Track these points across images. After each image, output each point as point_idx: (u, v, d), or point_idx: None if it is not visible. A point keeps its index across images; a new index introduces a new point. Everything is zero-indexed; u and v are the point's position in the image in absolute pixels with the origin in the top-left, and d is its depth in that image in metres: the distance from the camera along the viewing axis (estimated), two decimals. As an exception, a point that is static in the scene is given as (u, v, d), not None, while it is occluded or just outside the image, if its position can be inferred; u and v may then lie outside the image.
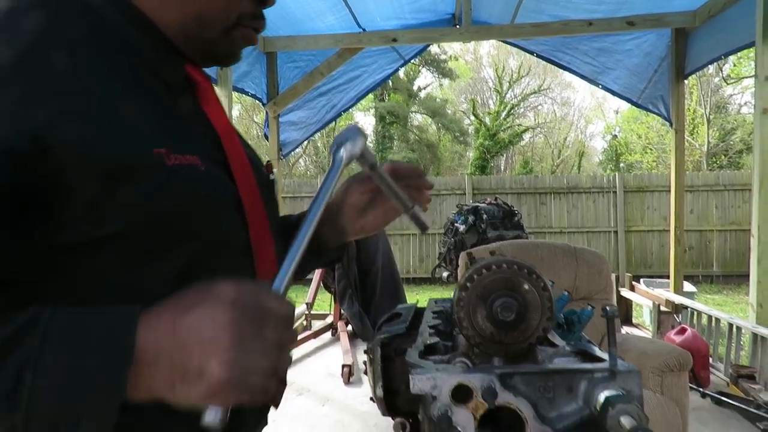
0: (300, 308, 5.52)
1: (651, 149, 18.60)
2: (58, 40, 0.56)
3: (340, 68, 5.35)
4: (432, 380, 0.63)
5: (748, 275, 3.73)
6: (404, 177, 0.81)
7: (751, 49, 3.83)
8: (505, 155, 21.71)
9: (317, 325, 5.41)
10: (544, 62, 5.93)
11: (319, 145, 19.57)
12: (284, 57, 5.45)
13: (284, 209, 1.73)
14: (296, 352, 4.63)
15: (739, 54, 12.09)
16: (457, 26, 5.12)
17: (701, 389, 3.47)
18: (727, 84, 16.37)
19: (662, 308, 4.56)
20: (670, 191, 5.28)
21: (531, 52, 5.53)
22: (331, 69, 5.28)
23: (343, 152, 0.67)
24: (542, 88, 21.97)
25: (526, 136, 21.97)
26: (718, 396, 3.37)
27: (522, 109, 22.14)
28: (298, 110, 5.77)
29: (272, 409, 0.79)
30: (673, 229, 5.19)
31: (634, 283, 5.53)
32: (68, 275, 0.55)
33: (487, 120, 20.12)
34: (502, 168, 22.25)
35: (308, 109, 5.83)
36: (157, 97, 0.64)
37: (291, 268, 0.58)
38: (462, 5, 4.86)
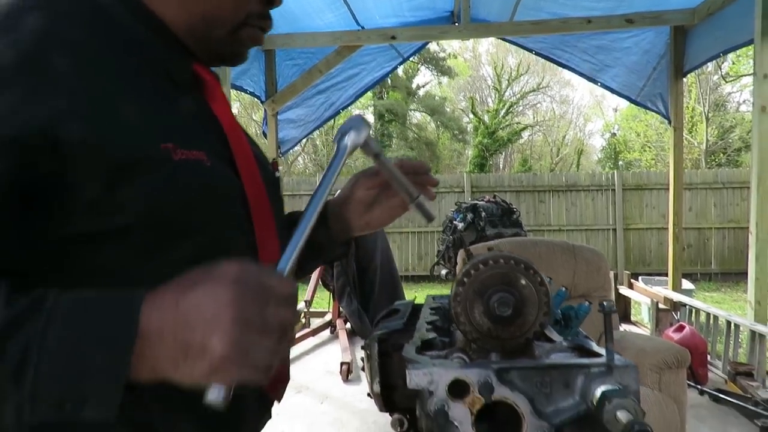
0: (299, 306, 5.52)
1: (650, 147, 18.61)
2: (66, 39, 0.57)
3: (338, 66, 5.34)
4: (429, 375, 0.63)
5: (746, 273, 3.74)
6: (410, 172, 0.82)
7: (750, 47, 3.83)
8: (503, 153, 21.71)
9: (316, 322, 5.41)
10: (543, 60, 5.94)
11: (317, 143, 19.54)
12: (283, 54, 5.44)
13: (282, 206, 1.72)
14: (295, 350, 4.64)
15: (738, 52, 12.10)
16: (456, 24, 5.11)
17: (699, 386, 3.48)
18: (726, 82, 16.37)
19: (660, 306, 4.56)
20: (668, 189, 5.28)
21: (530, 50, 5.53)
22: (329, 67, 5.27)
23: (347, 140, 0.68)
24: (541, 86, 21.95)
25: (525, 134, 21.96)
26: (716, 393, 3.37)
27: (521, 107, 22.13)
28: (296, 108, 5.76)
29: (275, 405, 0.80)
30: (671, 226, 5.19)
31: (632, 280, 5.53)
32: (76, 267, 0.56)
33: (486, 118, 20.11)
34: (501, 166, 22.25)
35: (307, 106, 5.82)
36: (164, 93, 0.65)
37: (296, 251, 0.58)
38: (461, 3, 4.85)
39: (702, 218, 9.98)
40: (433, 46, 19.09)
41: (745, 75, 14.85)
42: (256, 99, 5.69)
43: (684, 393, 2.47)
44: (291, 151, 6.86)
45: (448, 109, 22.27)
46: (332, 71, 5.39)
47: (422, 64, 20.85)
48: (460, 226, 6.81)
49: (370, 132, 0.71)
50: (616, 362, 0.63)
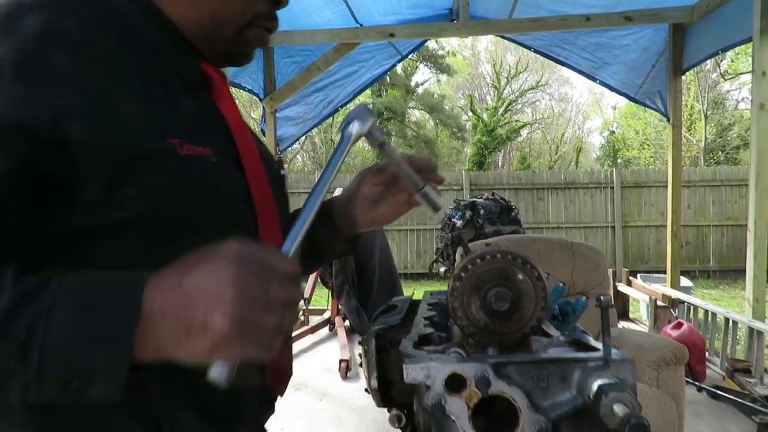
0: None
1: (648, 145, 18.61)
2: (70, 38, 0.58)
3: (337, 63, 5.33)
4: (425, 369, 0.63)
5: (744, 270, 3.75)
6: (416, 170, 0.82)
7: (749, 45, 3.83)
8: (502, 151, 21.72)
9: (315, 320, 5.42)
10: (541, 58, 5.92)
11: (316, 140, 19.52)
12: (281, 52, 5.43)
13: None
14: (294, 348, 4.63)
15: (736, 50, 12.11)
16: (455, 21, 5.11)
17: (697, 383, 3.49)
18: (725, 80, 16.37)
19: (659, 303, 4.57)
20: (667, 187, 5.29)
21: (529, 48, 5.51)
22: (328, 64, 5.26)
23: (352, 129, 0.68)
24: (540, 84, 21.94)
25: (524, 132, 21.97)
26: (714, 390, 3.38)
27: (520, 105, 22.12)
28: (295, 105, 5.75)
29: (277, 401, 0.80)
30: (670, 224, 5.19)
31: (631, 278, 5.54)
32: (76, 262, 0.56)
33: (485, 116, 20.10)
34: (500, 164, 22.26)
35: (305, 104, 5.81)
36: (173, 91, 0.66)
37: (300, 233, 0.59)
38: (459, 0, 4.85)
39: (700, 216, 9.99)
40: (431, 44, 19.06)
41: (743, 73, 14.85)
42: (254, 96, 5.68)
43: (682, 390, 2.47)
44: (289, 148, 6.86)
45: (446, 107, 22.26)
46: (331, 69, 5.38)
47: (421, 62, 20.82)
48: (459, 223, 6.81)
49: (375, 121, 0.71)
50: (612, 356, 0.63)
